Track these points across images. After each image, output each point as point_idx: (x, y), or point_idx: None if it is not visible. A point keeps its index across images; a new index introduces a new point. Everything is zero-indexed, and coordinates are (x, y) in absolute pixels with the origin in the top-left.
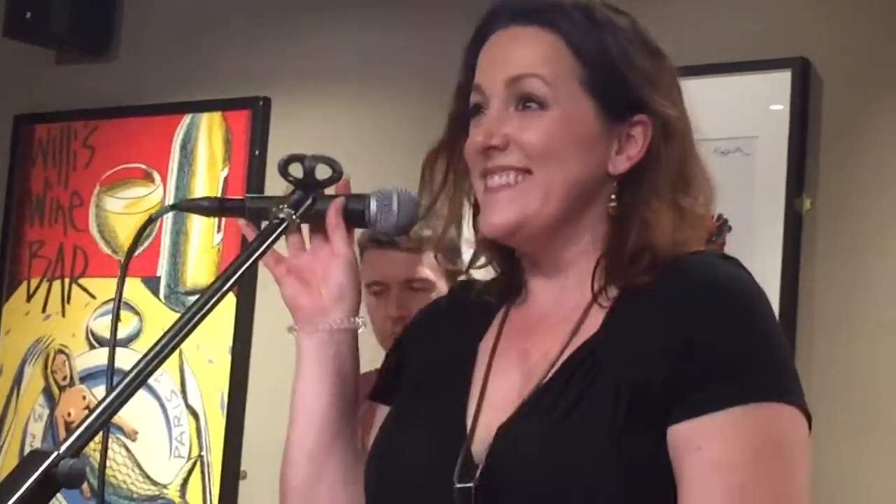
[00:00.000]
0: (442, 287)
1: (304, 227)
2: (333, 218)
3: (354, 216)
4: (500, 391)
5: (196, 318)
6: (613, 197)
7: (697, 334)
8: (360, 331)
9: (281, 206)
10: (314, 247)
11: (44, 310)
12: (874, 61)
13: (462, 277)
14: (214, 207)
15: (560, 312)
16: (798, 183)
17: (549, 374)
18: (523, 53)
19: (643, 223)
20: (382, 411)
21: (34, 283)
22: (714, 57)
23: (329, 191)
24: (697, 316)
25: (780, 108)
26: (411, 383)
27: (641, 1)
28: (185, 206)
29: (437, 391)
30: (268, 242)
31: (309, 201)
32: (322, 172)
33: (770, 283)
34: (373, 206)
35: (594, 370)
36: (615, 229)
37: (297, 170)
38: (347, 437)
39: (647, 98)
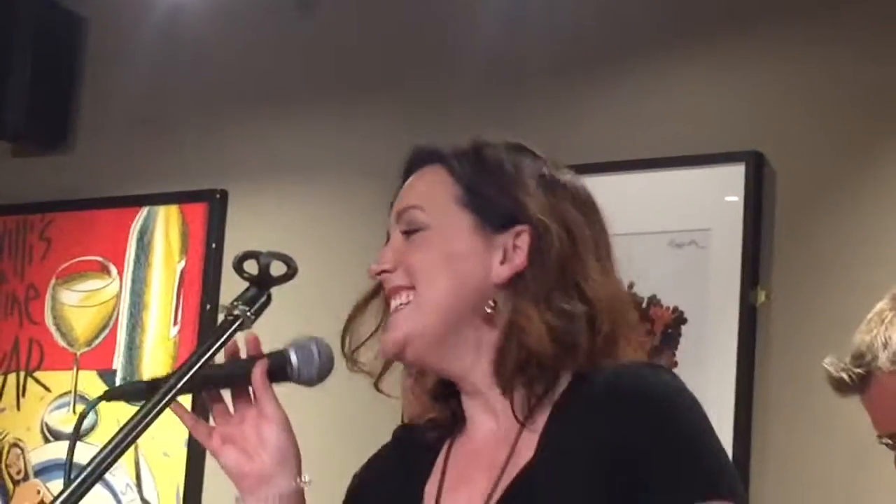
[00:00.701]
0: None
1: (226, 394)
2: (260, 381)
3: (278, 374)
4: None
5: (151, 415)
6: (491, 303)
7: (631, 448)
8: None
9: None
10: (241, 412)
11: None
12: (827, 155)
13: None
14: (141, 392)
15: (495, 439)
16: (752, 275)
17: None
18: (413, 189)
19: (518, 330)
20: None
21: None
22: (669, 150)
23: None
24: (628, 430)
25: (735, 199)
26: None
27: (598, 95)
28: (111, 395)
29: None
30: (222, 339)
31: (263, 298)
32: (277, 269)
33: (725, 375)
34: (294, 360)
35: (533, 497)
36: (498, 338)
37: (252, 266)
38: None
39: (522, 209)
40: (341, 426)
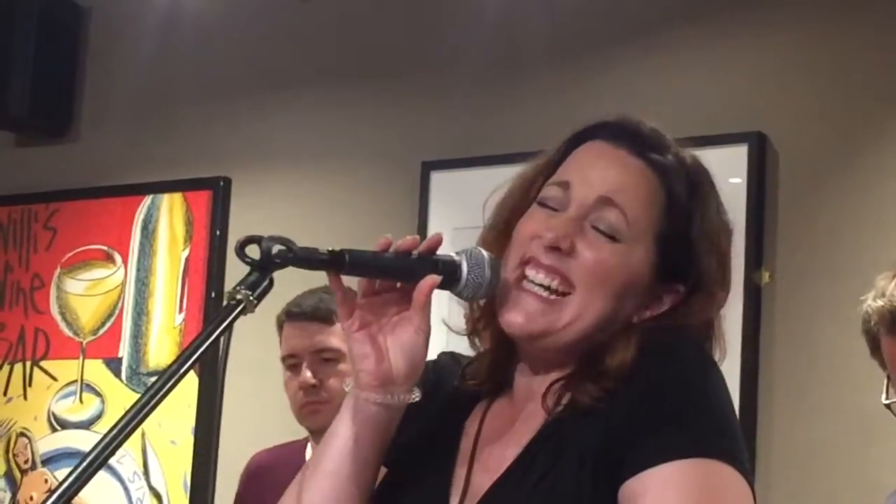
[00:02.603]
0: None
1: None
2: (427, 290)
3: (441, 283)
4: (479, 483)
5: (155, 400)
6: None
7: (643, 398)
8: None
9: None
10: (390, 307)
11: (5, 393)
12: (829, 136)
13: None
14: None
15: (535, 405)
16: (756, 256)
17: (518, 454)
18: (623, 183)
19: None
20: None
21: None
22: (672, 132)
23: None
24: (644, 382)
25: (738, 181)
26: (405, 457)
27: (599, 77)
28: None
29: (420, 485)
30: (224, 324)
31: (266, 283)
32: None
33: (730, 356)
34: (464, 273)
35: (557, 449)
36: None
37: (254, 251)
38: (364, 495)
39: (695, 272)
40: None
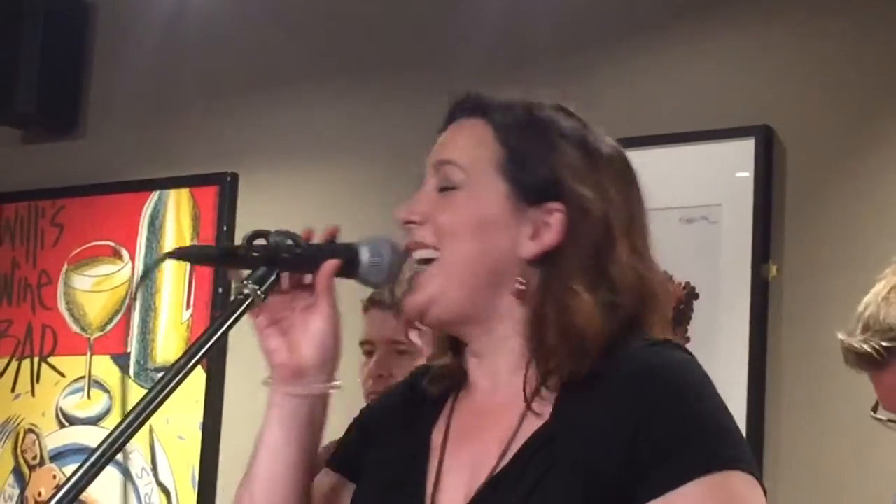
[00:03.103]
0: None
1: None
2: (326, 275)
3: (345, 269)
4: (450, 491)
5: (163, 394)
6: (521, 280)
7: (645, 419)
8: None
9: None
10: (297, 299)
11: (13, 389)
12: (836, 129)
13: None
14: (213, 255)
15: (502, 400)
16: (764, 250)
17: (502, 465)
18: (454, 141)
19: (563, 308)
20: (332, 478)
21: (3, 362)
22: (679, 126)
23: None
24: (642, 402)
25: (745, 175)
26: (371, 473)
27: (606, 71)
28: (179, 254)
29: (394, 489)
30: (232, 318)
31: (273, 277)
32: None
33: (737, 349)
34: (364, 258)
35: (549, 458)
36: (534, 317)
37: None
38: (301, 495)
39: (564, 186)
40: None
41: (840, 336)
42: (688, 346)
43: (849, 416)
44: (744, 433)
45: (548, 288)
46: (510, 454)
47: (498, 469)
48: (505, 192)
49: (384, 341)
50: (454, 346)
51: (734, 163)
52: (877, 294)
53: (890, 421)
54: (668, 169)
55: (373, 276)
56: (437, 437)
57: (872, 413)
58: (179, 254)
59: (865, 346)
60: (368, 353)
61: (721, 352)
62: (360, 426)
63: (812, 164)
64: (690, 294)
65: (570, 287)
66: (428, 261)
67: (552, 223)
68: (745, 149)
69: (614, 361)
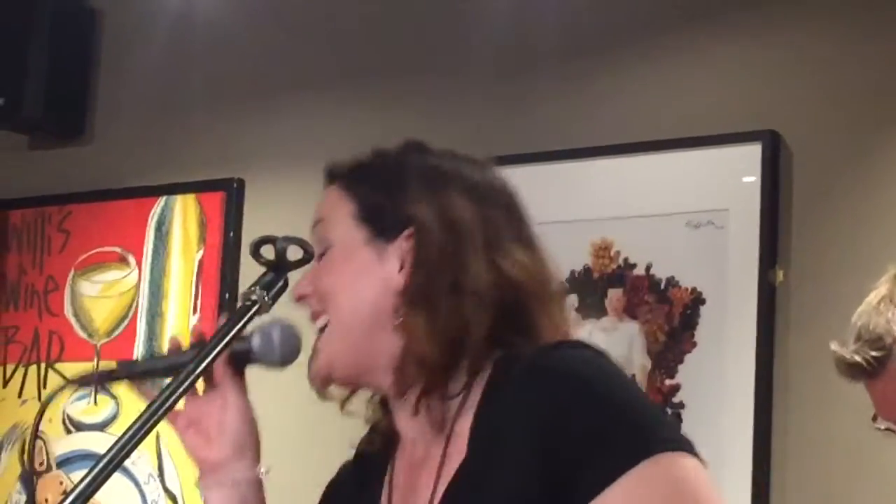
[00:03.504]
0: None
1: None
2: (220, 368)
3: (241, 359)
4: None
5: (169, 402)
6: (398, 315)
7: (556, 430)
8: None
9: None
10: (208, 397)
11: (20, 395)
12: (843, 134)
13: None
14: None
15: (425, 446)
16: (771, 255)
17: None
18: (320, 208)
19: (405, 336)
20: None
21: (10, 368)
22: (685, 131)
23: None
24: (549, 412)
25: (752, 180)
26: None
27: (612, 77)
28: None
29: None
30: (241, 324)
31: (281, 283)
32: (294, 253)
33: (744, 354)
34: (255, 345)
35: (475, 498)
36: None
37: (268, 251)
38: None
39: (406, 212)
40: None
41: (832, 346)
42: (695, 351)
43: (856, 421)
44: (751, 437)
45: (405, 315)
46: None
47: None
48: (364, 238)
49: None
50: (385, 401)
51: (741, 168)
52: (868, 304)
53: (888, 430)
54: (675, 174)
55: (268, 359)
56: (384, 502)
57: (873, 423)
58: (81, 381)
59: (856, 357)
60: None
61: (728, 357)
62: (323, 498)
63: (819, 168)
64: (697, 299)
65: (411, 311)
66: (325, 326)
67: (405, 247)
68: (752, 154)
69: (520, 369)
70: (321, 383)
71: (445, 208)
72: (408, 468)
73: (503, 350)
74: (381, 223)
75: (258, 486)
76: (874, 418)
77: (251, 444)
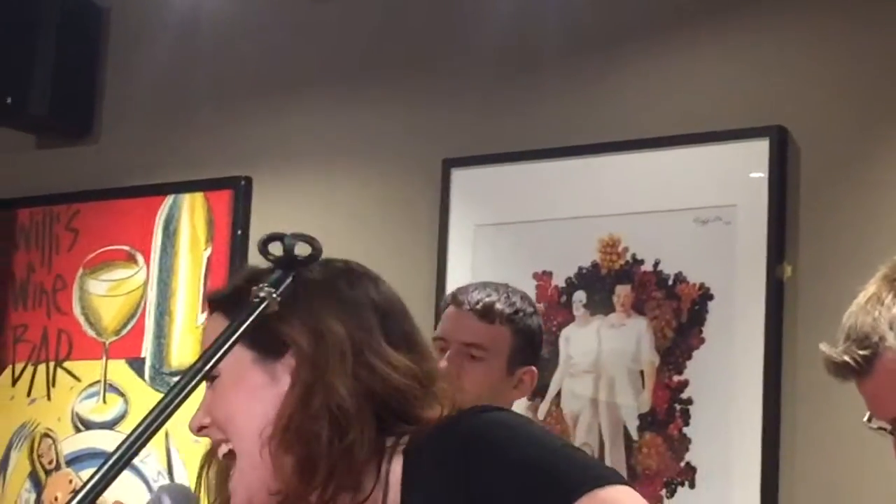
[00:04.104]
0: (499, 364)
1: None
2: None
3: None
4: None
5: (178, 399)
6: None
7: (476, 489)
8: None
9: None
10: None
11: (29, 394)
12: (851, 129)
13: None
14: None
15: None
16: (779, 250)
17: None
18: (204, 337)
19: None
20: None
21: (19, 367)
22: (692, 127)
23: None
24: (463, 483)
25: (760, 175)
26: None
27: (619, 72)
28: None
29: None
30: (249, 321)
31: (289, 280)
32: (302, 251)
33: (753, 350)
34: None
35: None
36: None
37: (277, 248)
38: None
39: (285, 336)
40: None
41: (821, 347)
42: (703, 346)
43: (864, 416)
44: (759, 433)
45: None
46: None
47: None
48: (252, 359)
49: (457, 341)
50: None
51: (748, 163)
52: (857, 303)
53: (881, 429)
54: (683, 170)
55: None
56: None
57: (868, 423)
58: None
59: (845, 357)
60: (440, 350)
61: (736, 352)
62: None
63: (827, 164)
64: (705, 295)
65: (285, 424)
66: (231, 453)
67: (294, 369)
68: (760, 149)
69: (425, 452)
70: None
71: (319, 327)
72: None
73: (395, 438)
74: (263, 344)
75: None
76: (869, 419)
77: None
